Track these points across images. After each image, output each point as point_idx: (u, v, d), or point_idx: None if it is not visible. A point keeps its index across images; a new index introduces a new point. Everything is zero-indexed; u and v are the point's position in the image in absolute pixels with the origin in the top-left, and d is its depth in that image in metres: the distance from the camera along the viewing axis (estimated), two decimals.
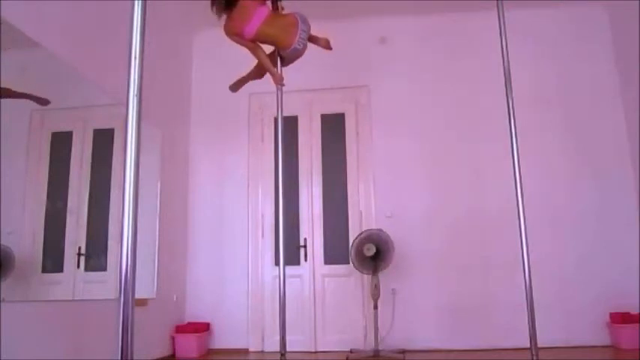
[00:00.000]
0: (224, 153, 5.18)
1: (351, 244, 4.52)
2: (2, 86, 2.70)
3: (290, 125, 4.89)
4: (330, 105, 5.20)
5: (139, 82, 1.33)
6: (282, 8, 3.33)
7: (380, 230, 4.43)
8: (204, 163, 5.18)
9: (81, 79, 3.45)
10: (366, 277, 4.63)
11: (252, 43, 3.22)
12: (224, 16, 3.14)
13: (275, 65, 3.36)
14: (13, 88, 2.80)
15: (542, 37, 5.01)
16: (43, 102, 3.06)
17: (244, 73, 3.51)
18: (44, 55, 3.07)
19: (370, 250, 4.31)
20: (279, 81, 3.33)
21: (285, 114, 3.48)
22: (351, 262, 4.55)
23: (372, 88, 5.12)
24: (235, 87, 3.58)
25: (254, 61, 3.38)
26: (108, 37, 3.61)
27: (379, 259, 4.37)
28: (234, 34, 3.17)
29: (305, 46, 3.29)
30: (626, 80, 4.75)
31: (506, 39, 2.97)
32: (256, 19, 3.12)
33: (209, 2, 3.13)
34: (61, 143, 3.31)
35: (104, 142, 3.75)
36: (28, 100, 2.98)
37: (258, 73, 3.50)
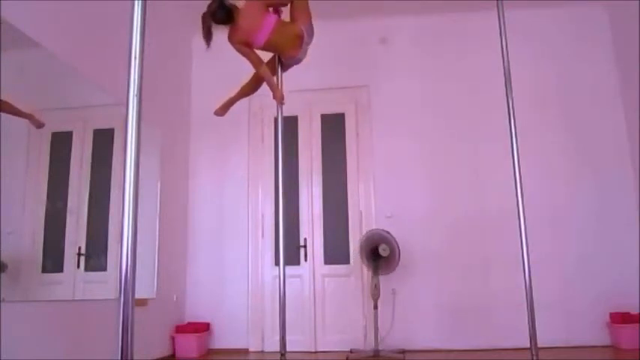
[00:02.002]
0: (224, 153, 5.18)
1: (360, 240, 4.52)
2: (6, 100, 2.70)
3: (290, 125, 4.89)
4: (330, 105, 5.20)
5: (139, 82, 1.33)
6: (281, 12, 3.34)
7: (387, 232, 4.42)
8: (204, 163, 5.18)
9: (81, 79, 3.45)
10: (366, 277, 4.63)
11: (257, 57, 3.22)
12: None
13: (275, 72, 3.38)
14: (15, 104, 2.79)
15: (542, 37, 5.01)
16: (39, 125, 3.05)
17: (242, 83, 3.52)
18: (44, 55, 3.07)
19: (386, 251, 4.32)
20: (280, 99, 3.33)
21: (285, 114, 3.48)
22: (353, 260, 4.54)
23: (372, 88, 5.12)
24: (223, 110, 3.50)
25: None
26: (108, 37, 3.61)
27: (382, 259, 4.37)
28: (243, 43, 3.16)
29: (305, 56, 3.32)
30: (626, 80, 4.75)
31: (506, 39, 2.97)
32: (266, 27, 3.12)
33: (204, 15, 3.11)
34: (61, 143, 3.31)
35: (104, 142, 3.75)
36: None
37: (251, 89, 3.49)
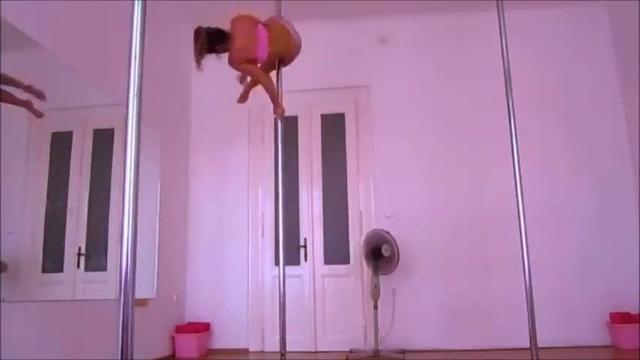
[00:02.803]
0: (224, 153, 5.18)
1: (363, 240, 4.53)
2: (5, 90, 2.70)
3: (290, 125, 4.88)
4: (330, 105, 5.20)
5: (139, 82, 1.33)
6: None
7: (387, 233, 4.43)
8: (204, 163, 5.18)
9: (81, 79, 3.44)
10: (366, 277, 4.63)
11: (261, 71, 3.23)
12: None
13: (273, 68, 3.39)
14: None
15: (542, 37, 5.01)
16: (38, 114, 3.03)
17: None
18: (44, 55, 3.07)
19: (388, 251, 4.33)
20: (281, 112, 3.36)
21: (285, 114, 3.48)
22: (353, 260, 4.53)
23: (372, 88, 5.11)
24: (243, 98, 3.55)
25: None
26: (108, 37, 3.61)
27: (383, 259, 4.37)
28: (247, 61, 3.15)
29: (300, 45, 3.35)
30: (626, 80, 4.75)
31: (506, 39, 2.98)
32: (262, 41, 3.13)
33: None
34: (61, 143, 3.31)
35: (104, 142, 3.75)
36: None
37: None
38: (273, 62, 3.40)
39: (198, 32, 3.06)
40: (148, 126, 3.87)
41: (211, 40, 3.05)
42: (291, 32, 3.27)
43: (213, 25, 3.11)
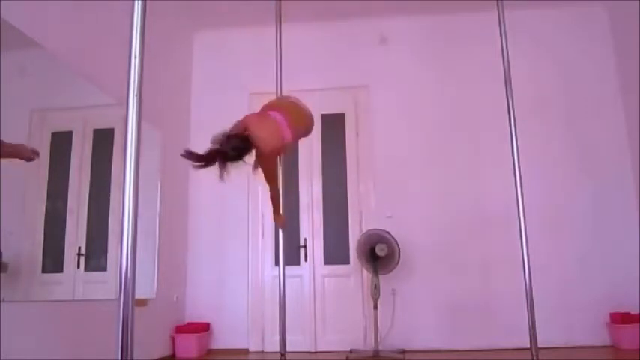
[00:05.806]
0: None
1: (358, 240, 4.53)
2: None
3: None
4: (330, 105, 5.20)
5: (139, 82, 1.33)
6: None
7: (388, 232, 4.43)
8: None
9: (81, 79, 3.44)
10: (366, 277, 4.63)
11: (274, 176, 3.08)
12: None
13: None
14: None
15: (542, 37, 5.01)
16: (29, 159, 2.80)
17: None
18: (44, 55, 3.07)
19: (383, 251, 4.33)
20: (281, 223, 3.35)
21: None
22: (353, 260, 4.53)
23: (372, 88, 5.11)
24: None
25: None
26: (108, 37, 3.61)
27: (380, 259, 4.37)
28: (277, 152, 2.99)
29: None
30: (626, 80, 4.75)
31: (506, 39, 2.98)
32: (281, 122, 2.91)
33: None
34: (61, 143, 3.31)
35: (104, 142, 3.75)
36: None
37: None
38: (275, 157, 3.14)
39: (216, 154, 2.82)
40: (148, 126, 3.88)
41: (239, 153, 2.82)
42: (300, 105, 3.08)
43: (219, 137, 2.85)
